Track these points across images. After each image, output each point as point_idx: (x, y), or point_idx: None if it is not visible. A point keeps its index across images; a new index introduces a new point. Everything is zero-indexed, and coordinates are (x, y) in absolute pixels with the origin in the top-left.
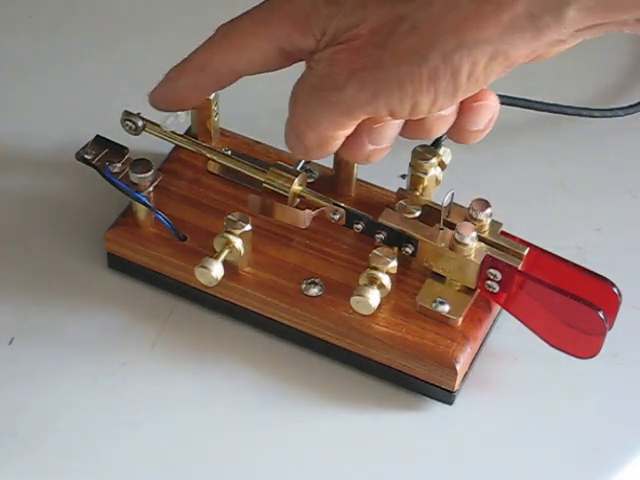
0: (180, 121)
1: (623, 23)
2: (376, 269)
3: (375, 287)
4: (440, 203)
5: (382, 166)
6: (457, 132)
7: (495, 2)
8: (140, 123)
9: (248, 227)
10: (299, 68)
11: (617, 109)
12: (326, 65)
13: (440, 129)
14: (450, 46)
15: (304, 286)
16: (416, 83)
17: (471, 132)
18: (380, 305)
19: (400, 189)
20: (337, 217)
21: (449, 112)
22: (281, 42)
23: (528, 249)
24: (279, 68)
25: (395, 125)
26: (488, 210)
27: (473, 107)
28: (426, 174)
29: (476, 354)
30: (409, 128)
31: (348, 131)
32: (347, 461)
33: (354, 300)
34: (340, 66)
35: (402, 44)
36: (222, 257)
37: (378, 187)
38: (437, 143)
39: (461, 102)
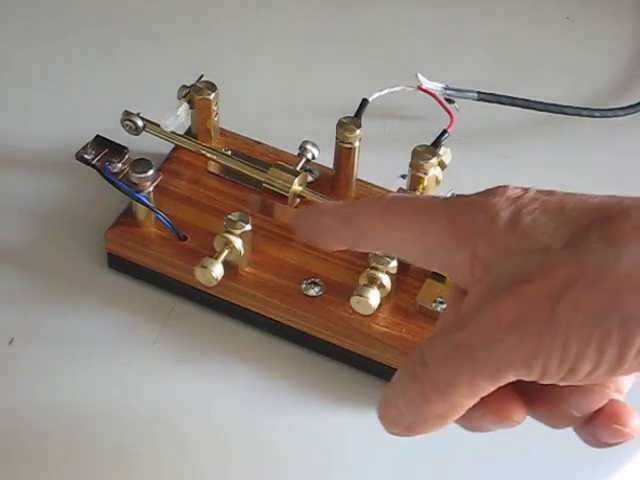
0: (180, 121)
1: None
2: (376, 269)
3: (375, 287)
4: None
5: (382, 166)
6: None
7: None
8: (140, 123)
9: (248, 227)
10: (301, 68)
11: (617, 109)
12: (483, 316)
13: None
14: (630, 311)
15: (304, 286)
16: (583, 346)
17: (568, 416)
18: (380, 305)
19: (400, 189)
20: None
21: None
22: (431, 245)
23: None
24: (417, 264)
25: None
26: None
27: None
28: (426, 174)
29: None
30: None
31: (476, 400)
32: (347, 461)
33: (354, 300)
34: (502, 317)
35: (579, 299)
36: (222, 257)
37: (378, 187)
38: (437, 143)
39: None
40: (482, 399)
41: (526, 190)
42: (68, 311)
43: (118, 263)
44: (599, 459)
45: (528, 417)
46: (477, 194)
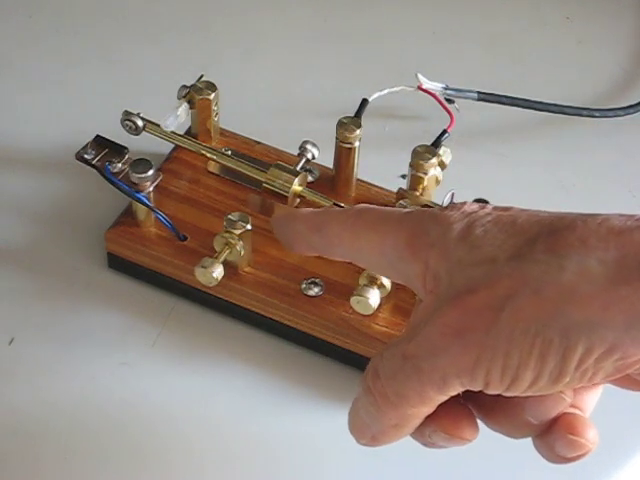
0: (180, 121)
1: None
2: None
3: (375, 287)
4: (440, 203)
5: (382, 166)
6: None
7: (633, 285)
8: (140, 123)
9: (248, 227)
10: (300, 68)
11: (617, 109)
12: (429, 326)
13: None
14: (572, 320)
15: (304, 286)
16: (525, 355)
17: (526, 424)
18: (380, 305)
19: (400, 189)
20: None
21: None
22: (390, 257)
23: None
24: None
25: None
26: None
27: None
28: (426, 174)
29: None
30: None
31: (429, 410)
32: (347, 461)
33: (354, 300)
34: (446, 327)
35: (521, 308)
36: (222, 257)
37: (378, 187)
38: (437, 143)
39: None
40: (434, 415)
41: (483, 206)
42: (68, 311)
43: (118, 263)
44: (599, 459)
45: None
46: (435, 209)
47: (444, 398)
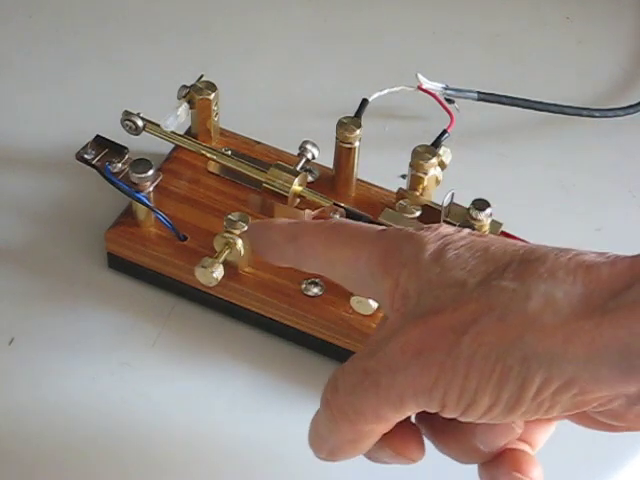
0: (180, 121)
1: None
2: None
3: None
4: (440, 203)
5: (382, 166)
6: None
7: (595, 321)
8: (140, 123)
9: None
10: (300, 68)
11: (617, 109)
12: (392, 343)
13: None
14: (532, 349)
15: (304, 286)
16: (483, 380)
17: (475, 450)
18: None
19: (400, 189)
20: (337, 217)
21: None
22: (362, 272)
23: None
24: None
25: None
26: (488, 210)
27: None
28: (426, 174)
29: None
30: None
31: (386, 429)
32: (347, 461)
33: (354, 300)
34: (407, 345)
35: (484, 333)
36: (222, 257)
37: (378, 187)
38: (437, 143)
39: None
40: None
41: (459, 230)
42: (68, 311)
43: (118, 263)
44: (599, 459)
45: None
46: (411, 229)
47: (400, 417)
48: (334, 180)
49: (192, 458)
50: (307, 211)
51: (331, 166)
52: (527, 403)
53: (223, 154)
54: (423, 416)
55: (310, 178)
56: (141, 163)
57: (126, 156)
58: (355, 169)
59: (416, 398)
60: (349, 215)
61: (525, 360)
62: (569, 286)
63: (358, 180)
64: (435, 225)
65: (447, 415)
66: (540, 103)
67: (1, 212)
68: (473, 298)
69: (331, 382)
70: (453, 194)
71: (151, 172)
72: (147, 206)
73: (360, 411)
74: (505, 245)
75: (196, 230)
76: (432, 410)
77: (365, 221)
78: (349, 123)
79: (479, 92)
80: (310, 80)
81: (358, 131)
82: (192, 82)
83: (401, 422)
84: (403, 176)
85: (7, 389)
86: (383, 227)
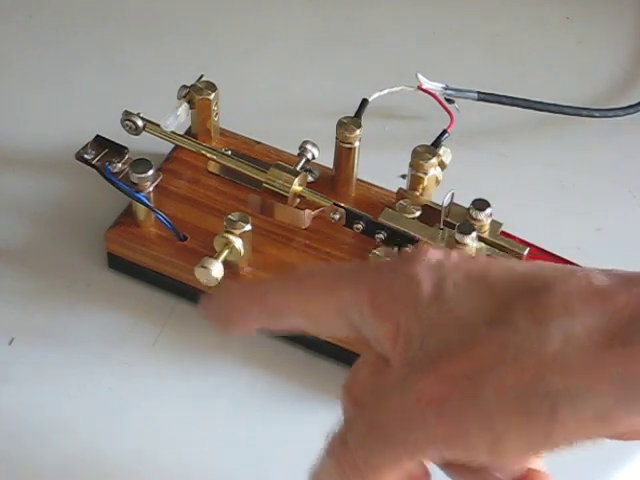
0: (180, 121)
1: None
2: None
3: None
4: (440, 203)
5: (382, 166)
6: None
7: (616, 349)
8: (140, 123)
9: (248, 227)
10: (300, 68)
11: (617, 109)
12: (404, 392)
13: None
14: (556, 388)
15: None
16: (506, 426)
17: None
18: None
19: (400, 189)
20: (337, 217)
21: None
22: (350, 316)
23: (528, 249)
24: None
25: None
26: (488, 210)
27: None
28: (426, 174)
29: None
30: None
31: (400, 477)
32: None
33: None
34: (421, 394)
35: (503, 379)
36: (222, 257)
37: (378, 187)
38: (437, 143)
39: None
40: None
41: (448, 254)
42: (68, 311)
43: (118, 263)
44: (599, 459)
45: None
46: (394, 260)
47: (418, 465)
48: (334, 180)
49: (192, 458)
50: (307, 211)
51: (331, 166)
52: (558, 441)
53: (223, 154)
54: None
55: (310, 178)
56: (141, 163)
57: (126, 156)
58: (355, 169)
59: (436, 448)
60: (349, 215)
61: (550, 400)
62: (587, 318)
63: (358, 180)
64: (418, 253)
65: (474, 462)
66: (540, 103)
67: (1, 212)
68: (484, 341)
69: (337, 436)
70: (453, 194)
71: (151, 172)
72: (147, 206)
73: (375, 465)
74: (503, 271)
75: (196, 230)
76: (454, 457)
77: (365, 221)
78: (349, 123)
79: (479, 92)
80: (310, 80)
81: (358, 131)
82: (192, 82)
83: None
84: (403, 176)
85: (7, 389)
86: (354, 265)
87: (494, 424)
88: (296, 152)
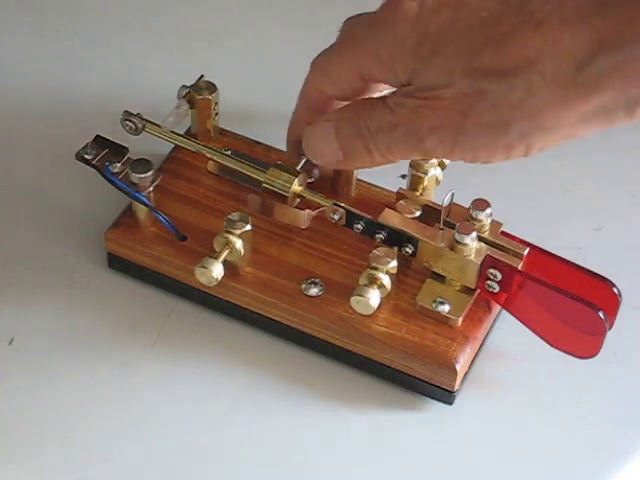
0: (180, 121)
1: None
2: (376, 269)
3: (375, 287)
4: (440, 203)
5: (382, 166)
6: None
7: (572, 95)
8: (140, 123)
9: (248, 227)
10: (301, 68)
11: None
12: (408, 113)
13: None
14: (527, 128)
15: (304, 286)
16: (491, 152)
17: None
18: (380, 305)
19: (400, 189)
20: (337, 217)
21: None
22: (361, 72)
23: (528, 249)
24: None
25: None
26: (488, 210)
27: None
28: (426, 174)
29: (476, 354)
30: None
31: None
32: (347, 461)
33: (354, 300)
34: (423, 120)
35: (483, 117)
36: (222, 257)
37: (378, 187)
38: None
39: None
40: None
41: (422, 3)
42: (68, 311)
43: (118, 263)
44: (599, 459)
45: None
46: (374, 12)
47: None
48: (334, 180)
49: (192, 458)
50: (307, 211)
51: None
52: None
53: (223, 154)
54: None
55: (310, 178)
56: (141, 163)
57: (126, 156)
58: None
59: (436, 155)
60: (349, 215)
61: (523, 136)
62: (543, 67)
63: (358, 180)
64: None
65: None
66: None
67: (1, 212)
68: (465, 84)
69: (363, 122)
70: (453, 194)
71: (151, 172)
72: (147, 206)
73: (392, 151)
74: (470, 16)
75: (196, 230)
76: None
77: (365, 221)
78: None
79: None
80: None
81: None
82: (192, 82)
83: None
84: (403, 176)
85: (7, 389)
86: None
87: (478, 149)
88: None
